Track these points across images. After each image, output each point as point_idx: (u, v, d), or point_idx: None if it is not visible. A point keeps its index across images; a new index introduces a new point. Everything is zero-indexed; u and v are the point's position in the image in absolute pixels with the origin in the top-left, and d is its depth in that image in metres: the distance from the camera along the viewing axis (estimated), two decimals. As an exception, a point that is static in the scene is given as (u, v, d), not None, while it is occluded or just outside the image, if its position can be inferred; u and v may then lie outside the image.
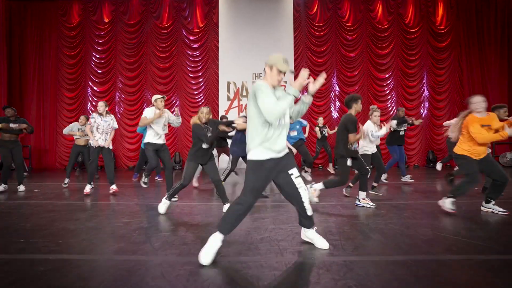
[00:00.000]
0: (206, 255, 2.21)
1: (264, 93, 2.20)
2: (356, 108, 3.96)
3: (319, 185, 4.12)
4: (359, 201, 4.12)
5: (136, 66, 10.83)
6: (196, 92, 10.75)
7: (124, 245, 2.63)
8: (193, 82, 10.79)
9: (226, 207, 3.83)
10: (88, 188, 5.18)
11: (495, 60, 10.48)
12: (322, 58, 10.69)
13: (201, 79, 10.77)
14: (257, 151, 2.29)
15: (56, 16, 10.83)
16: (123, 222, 3.41)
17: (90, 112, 10.86)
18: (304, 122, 6.72)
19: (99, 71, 10.89)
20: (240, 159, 5.54)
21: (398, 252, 2.42)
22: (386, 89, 10.77)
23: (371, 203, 4.06)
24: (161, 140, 4.64)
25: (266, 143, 2.29)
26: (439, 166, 7.02)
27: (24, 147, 10.57)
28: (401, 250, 2.46)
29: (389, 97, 10.75)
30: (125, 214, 3.77)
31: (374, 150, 4.88)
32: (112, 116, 5.34)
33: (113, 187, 5.23)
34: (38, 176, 8.61)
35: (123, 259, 2.33)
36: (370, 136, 4.73)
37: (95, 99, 10.90)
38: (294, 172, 2.42)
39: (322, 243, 2.53)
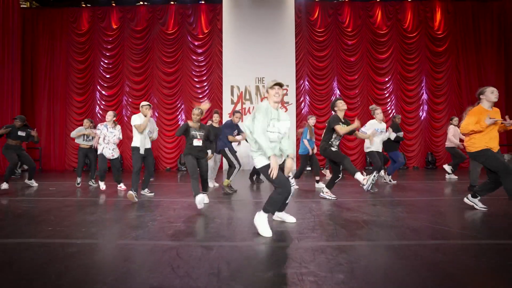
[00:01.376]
0: (265, 230, 2.80)
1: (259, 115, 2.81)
2: (338, 111, 4.46)
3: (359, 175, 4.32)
4: (323, 192, 4.68)
5: (142, 70, 11.22)
6: (200, 96, 11.10)
7: (141, 232, 2.94)
8: (197, 86, 11.15)
9: (199, 197, 3.92)
10: (103, 185, 5.69)
11: (492, 62, 10.75)
12: (323, 63, 11.01)
13: (205, 83, 11.12)
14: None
15: (67, 23, 11.27)
16: (137, 214, 3.71)
17: (99, 115, 11.24)
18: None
19: (107, 76, 11.29)
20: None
21: (386, 238, 2.70)
22: (385, 92, 11.06)
23: (333, 195, 4.62)
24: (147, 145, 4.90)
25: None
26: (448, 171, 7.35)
27: (34, 149, 10.98)
28: (388, 237, 2.74)
29: (388, 100, 11.03)
30: (138, 209, 4.08)
31: (379, 148, 5.59)
32: (119, 127, 5.66)
33: (122, 185, 5.72)
34: (49, 176, 8.95)
35: (141, 243, 2.63)
36: (362, 129, 5.48)
37: (103, 102, 11.29)
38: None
39: (290, 218, 3.27)
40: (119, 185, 5.74)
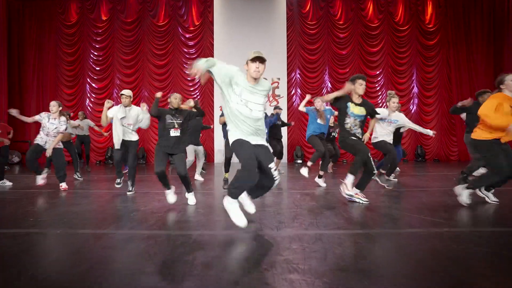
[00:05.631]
0: (238, 217, 2.52)
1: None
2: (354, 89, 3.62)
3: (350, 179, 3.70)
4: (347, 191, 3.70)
5: (133, 63, 11.11)
6: (192, 89, 11.05)
7: (121, 223, 2.95)
8: (189, 79, 11.08)
9: (189, 196, 3.81)
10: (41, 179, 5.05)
11: (481, 57, 10.83)
12: (315, 56, 11.00)
13: (196, 76, 11.03)
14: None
15: (55, 14, 11.06)
16: (122, 205, 3.72)
17: (89, 108, 11.14)
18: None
19: (97, 68, 11.17)
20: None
21: (363, 227, 2.76)
22: (376, 85, 11.11)
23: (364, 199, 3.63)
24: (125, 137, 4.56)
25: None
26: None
27: (24, 142, 10.87)
28: (366, 226, 2.80)
29: (379, 94, 11.09)
30: (122, 200, 4.09)
31: (388, 139, 4.76)
32: (64, 118, 4.99)
33: (62, 184, 5.00)
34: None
35: (121, 232, 2.64)
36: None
37: (94, 95, 11.18)
38: None
39: (250, 208, 2.92)
40: (60, 183, 5.02)
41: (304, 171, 4.99)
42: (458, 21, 10.94)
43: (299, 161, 10.49)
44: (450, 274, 1.78)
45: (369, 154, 3.55)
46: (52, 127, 4.87)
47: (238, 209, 2.55)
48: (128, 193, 4.54)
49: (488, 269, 1.85)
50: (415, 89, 11.17)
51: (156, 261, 2.00)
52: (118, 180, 4.84)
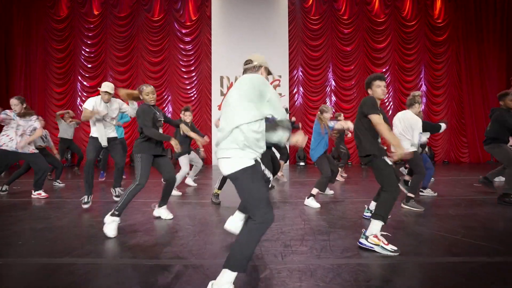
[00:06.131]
0: None
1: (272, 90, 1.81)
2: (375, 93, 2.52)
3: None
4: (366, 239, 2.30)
5: (127, 60, 10.53)
6: (188, 87, 10.47)
7: (89, 247, 2.38)
8: (185, 76, 10.51)
9: (161, 211, 3.27)
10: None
11: (494, 54, 10.26)
12: (318, 52, 10.43)
13: (193, 74, 10.49)
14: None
15: (44, 8, 10.48)
16: (98, 220, 3.15)
17: (80, 107, 10.55)
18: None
19: (89, 65, 10.58)
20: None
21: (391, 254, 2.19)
22: (383, 84, 10.52)
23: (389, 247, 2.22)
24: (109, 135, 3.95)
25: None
26: None
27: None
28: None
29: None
30: (101, 212, 3.52)
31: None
32: (35, 116, 4.46)
33: (40, 192, 4.51)
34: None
35: (84, 262, 2.08)
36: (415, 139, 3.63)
37: (85, 94, 10.59)
38: None
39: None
40: (37, 192, 4.49)
41: (312, 203, 3.76)
42: (468, 16, 10.36)
43: (302, 164, 9.92)
44: None
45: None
46: (26, 124, 4.33)
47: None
48: (116, 198, 4.02)
49: None
50: (423, 87, 10.59)
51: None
52: (87, 199, 3.68)
